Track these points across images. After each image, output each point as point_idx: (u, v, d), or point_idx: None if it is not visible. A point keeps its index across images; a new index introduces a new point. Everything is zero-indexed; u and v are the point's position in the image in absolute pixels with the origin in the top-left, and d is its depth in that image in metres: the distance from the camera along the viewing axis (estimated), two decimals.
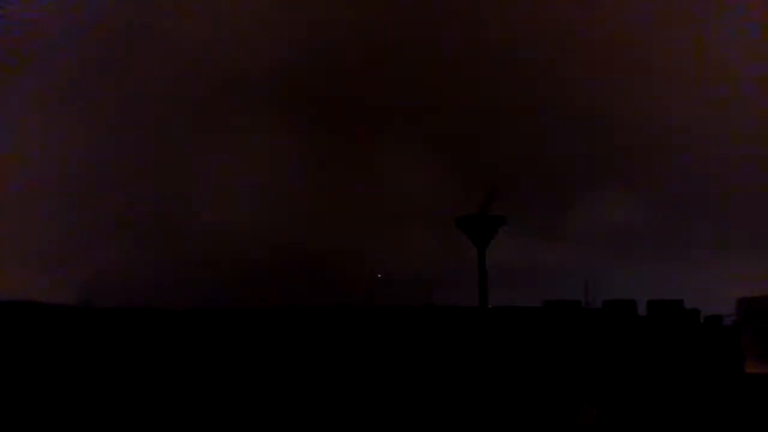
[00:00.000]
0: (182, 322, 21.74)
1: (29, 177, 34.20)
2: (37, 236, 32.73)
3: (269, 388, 21.59)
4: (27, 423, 19.38)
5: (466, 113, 36.86)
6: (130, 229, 33.84)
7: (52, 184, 34.42)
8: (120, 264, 31.59)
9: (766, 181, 33.34)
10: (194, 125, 37.24)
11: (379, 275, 31.52)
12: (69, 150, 34.91)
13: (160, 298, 24.40)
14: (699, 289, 31.09)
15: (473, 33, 37.43)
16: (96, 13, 37.00)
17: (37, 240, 32.27)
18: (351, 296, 29.66)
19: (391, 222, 35.03)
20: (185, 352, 21.22)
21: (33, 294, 23.10)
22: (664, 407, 26.10)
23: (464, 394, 22.82)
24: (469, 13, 37.77)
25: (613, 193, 35.01)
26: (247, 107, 37.41)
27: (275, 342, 21.88)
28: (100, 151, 35.60)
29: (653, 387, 26.77)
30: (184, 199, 35.29)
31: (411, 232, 34.32)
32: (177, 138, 37.15)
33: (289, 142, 36.46)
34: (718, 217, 33.99)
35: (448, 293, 28.09)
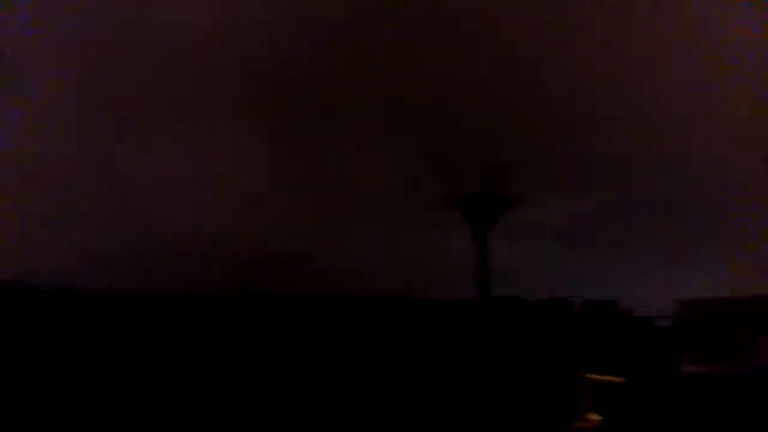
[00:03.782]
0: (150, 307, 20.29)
1: None
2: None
3: (241, 375, 20.34)
4: None
5: (434, 114, 36.23)
6: (96, 220, 31.71)
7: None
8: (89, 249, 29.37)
9: (714, 191, 34.26)
10: (161, 120, 35.25)
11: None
12: (29, 142, 32.50)
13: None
14: (641, 291, 31.53)
15: (450, 40, 36.84)
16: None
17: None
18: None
19: (356, 219, 34.02)
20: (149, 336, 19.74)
21: None
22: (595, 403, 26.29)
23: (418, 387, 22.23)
24: (446, 21, 37.15)
25: (561, 195, 34.97)
26: (216, 103, 35.80)
27: (249, 327, 20.64)
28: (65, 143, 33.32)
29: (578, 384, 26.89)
30: (150, 193, 33.36)
31: (378, 228, 33.41)
32: (143, 132, 35.12)
33: (258, 139, 35.04)
34: (661, 221, 34.66)
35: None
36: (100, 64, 34.97)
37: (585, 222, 34.92)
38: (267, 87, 37.07)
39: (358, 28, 36.11)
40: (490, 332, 25.47)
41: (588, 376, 20.34)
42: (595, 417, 18.01)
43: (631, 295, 33.08)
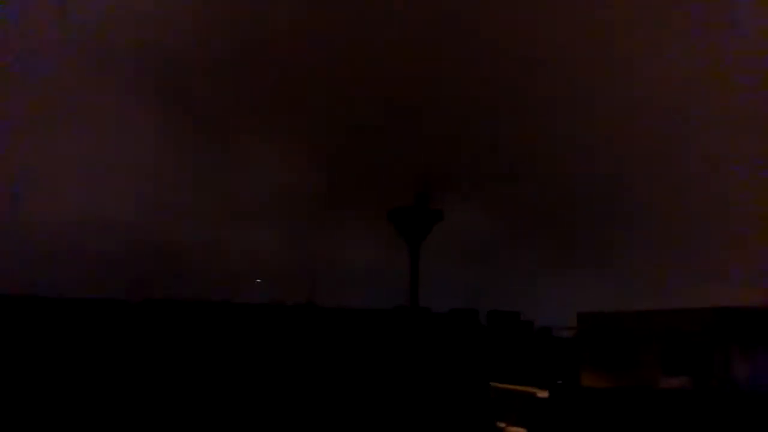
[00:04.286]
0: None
1: None
2: None
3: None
4: None
5: (332, 114, 36.07)
6: None
7: None
8: None
9: (607, 211, 35.77)
10: (58, 108, 33.21)
11: (258, 281, 29.95)
12: None
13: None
14: (543, 304, 32.47)
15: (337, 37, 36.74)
16: None
17: None
18: (209, 289, 27.74)
19: (249, 217, 33.33)
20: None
21: None
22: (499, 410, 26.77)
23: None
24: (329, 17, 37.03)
25: (478, 210, 35.54)
26: (116, 96, 34.15)
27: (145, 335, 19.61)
28: None
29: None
30: (39, 186, 31.41)
31: (270, 227, 32.85)
32: (35, 124, 33.02)
33: (154, 133, 33.62)
34: (563, 239, 35.90)
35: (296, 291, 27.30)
36: None
37: (493, 238, 35.81)
38: (181, 83, 35.94)
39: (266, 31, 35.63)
40: (400, 341, 25.44)
41: (511, 387, 20.60)
42: (518, 430, 18.21)
43: (534, 307, 33.98)
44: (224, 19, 35.72)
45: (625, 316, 27.99)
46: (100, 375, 18.96)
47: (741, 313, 23.80)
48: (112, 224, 30.94)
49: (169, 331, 19.82)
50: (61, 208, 30.92)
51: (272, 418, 20.34)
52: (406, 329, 24.62)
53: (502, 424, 21.31)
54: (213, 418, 19.63)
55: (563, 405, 26.32)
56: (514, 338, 33.20)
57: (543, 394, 25.89)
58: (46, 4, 34.27)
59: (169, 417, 19.09)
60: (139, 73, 34.97)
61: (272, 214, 34.57)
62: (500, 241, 35.81)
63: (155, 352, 19.48)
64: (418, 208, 13.12)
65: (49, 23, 33.90)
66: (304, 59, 36.55)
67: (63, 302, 20.02)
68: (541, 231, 36.58)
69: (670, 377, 24.07)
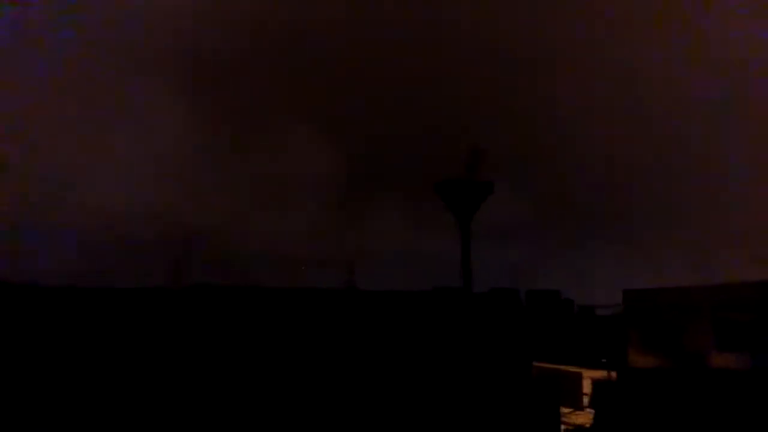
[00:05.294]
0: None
1: None
2: None
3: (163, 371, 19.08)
4: None
5: (356, 99, 35.66)
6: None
7: None
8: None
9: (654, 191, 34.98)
10: (87, 101, 33.38)
11: (303, 267, 29.64)
12: None
13: (40, 274, 21.02)
14: (588, 282, 31.77)
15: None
16: None
17: None
18: (234, 274, 27.54)
19: (276, 201, 33.14)
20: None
21: None
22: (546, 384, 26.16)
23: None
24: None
25: (510, 195, 34.73)
26: (145, 87, 34.20)
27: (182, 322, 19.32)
28: None
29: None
30: (69, 174, 31.59)
31: (295, 212, 32.62)
32: (69, 113, 33.21)
33: (183, 121, 33.58)
34: (604, 217, 35.14)
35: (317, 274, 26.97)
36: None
37: (535, 216, 35.13)
38: (211, 72, 35.92)
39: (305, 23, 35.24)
40: (446, 322, 24.95)
41: (556, 367, 20.04)
42: (587, 412, 17.70)
43: (576, 285, 33.35)
44: (255, 11, 35.64)
45: (671, 292, 27.15)
46: (152, 364, 18.75)
47: None
48: (152, 213, 30.98)
49: (215, 316, 19.55)
50: (102, 200, 31.07)
51: (321, 396, 20.06)
52: (451, 309, 24.12)
53: (567, 410, 20.70)
54: (261, 400, 19.39)
55: (627, 386, 25.62)
56: (556, 317, 32.55)
57: (591, 374, 25.21)
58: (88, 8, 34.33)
59: (219, 399, 18.91)
60: (173, 71, 35.02)
61: (302, 200, 34.35)
62: (532, 220, 35.17)
63: (204, 337, 19.22)
64: (469, 180, 12.55)
65: (84, 25, 34.01)
66: (338, 45, 36.21)
67: (105, 292, 19.85)
68: (570, 211, 35.90)
69: (723, 353, 23.29)
